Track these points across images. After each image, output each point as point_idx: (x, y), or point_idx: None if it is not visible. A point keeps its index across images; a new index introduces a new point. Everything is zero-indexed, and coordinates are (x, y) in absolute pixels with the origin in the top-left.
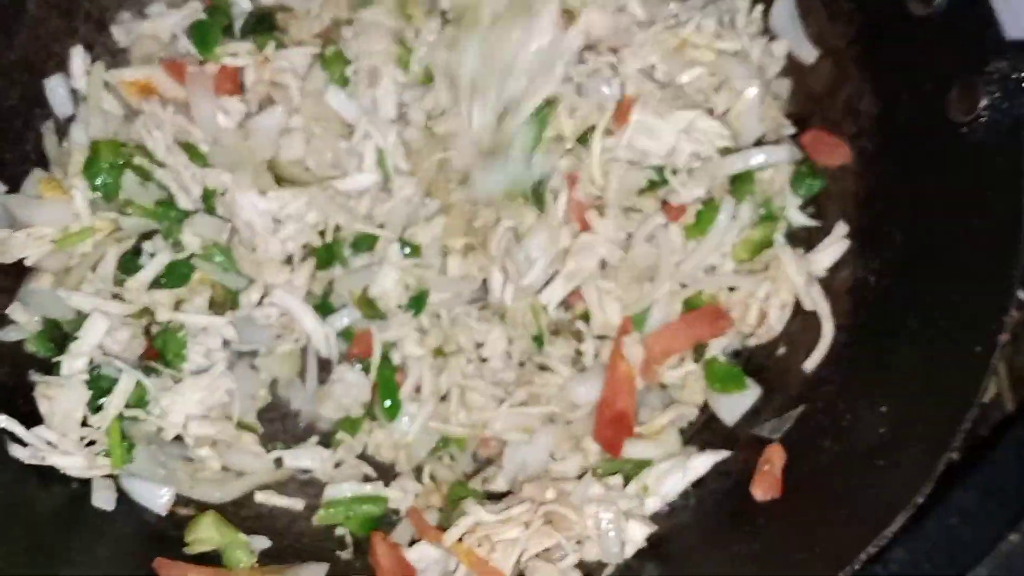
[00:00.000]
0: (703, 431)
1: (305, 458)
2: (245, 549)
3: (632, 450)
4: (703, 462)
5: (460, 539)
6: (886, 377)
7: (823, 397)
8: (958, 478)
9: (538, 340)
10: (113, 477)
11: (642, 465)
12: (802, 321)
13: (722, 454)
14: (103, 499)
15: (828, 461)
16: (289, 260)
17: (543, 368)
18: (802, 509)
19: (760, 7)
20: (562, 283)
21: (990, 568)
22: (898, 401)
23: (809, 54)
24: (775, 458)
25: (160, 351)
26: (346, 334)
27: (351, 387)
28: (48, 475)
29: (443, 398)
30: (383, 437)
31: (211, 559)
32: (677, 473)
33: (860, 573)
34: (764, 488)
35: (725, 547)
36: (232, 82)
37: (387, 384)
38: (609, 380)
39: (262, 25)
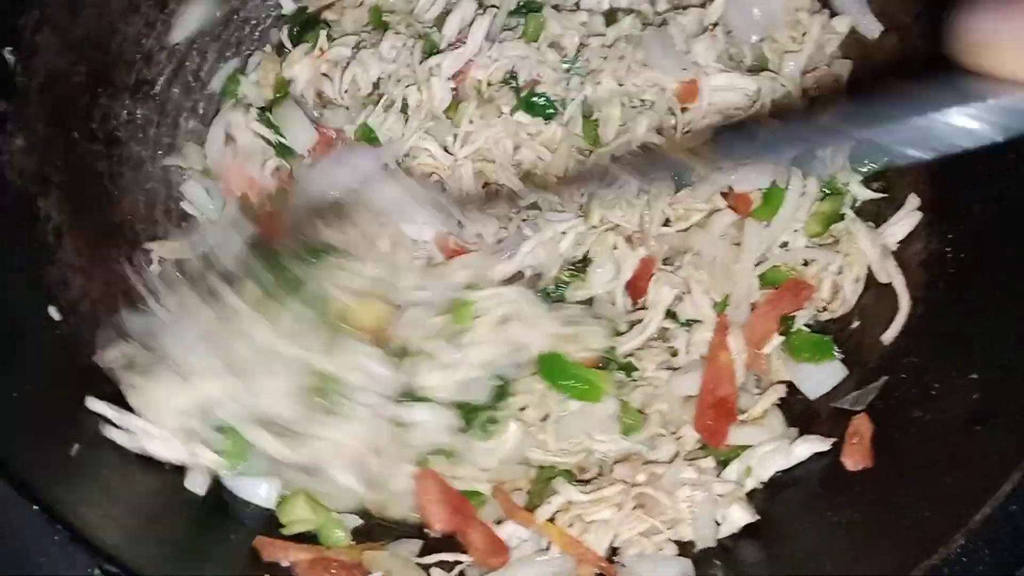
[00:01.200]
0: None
1: None
2: (341, 527)
3: (738, 436)
4: (806, 448)
5: (551, 519)
6: (971, 345)
7: (906, 368)
8: None
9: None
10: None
11: (741, 448)
12: (875, 294)
13: (826, 442)
14: (196, 483)
15: (920, 430)
16: None
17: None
18: (899, 477)
19: None
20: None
21: None
22: (989, 368)
23: (873, 29)
24: (863, 429)
25: None
26: None
27: None
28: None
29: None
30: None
31: (307, 539)
32: (779, 457)
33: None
34: (855, 458)
35: (820, 519)
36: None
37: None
38: (710, 371)
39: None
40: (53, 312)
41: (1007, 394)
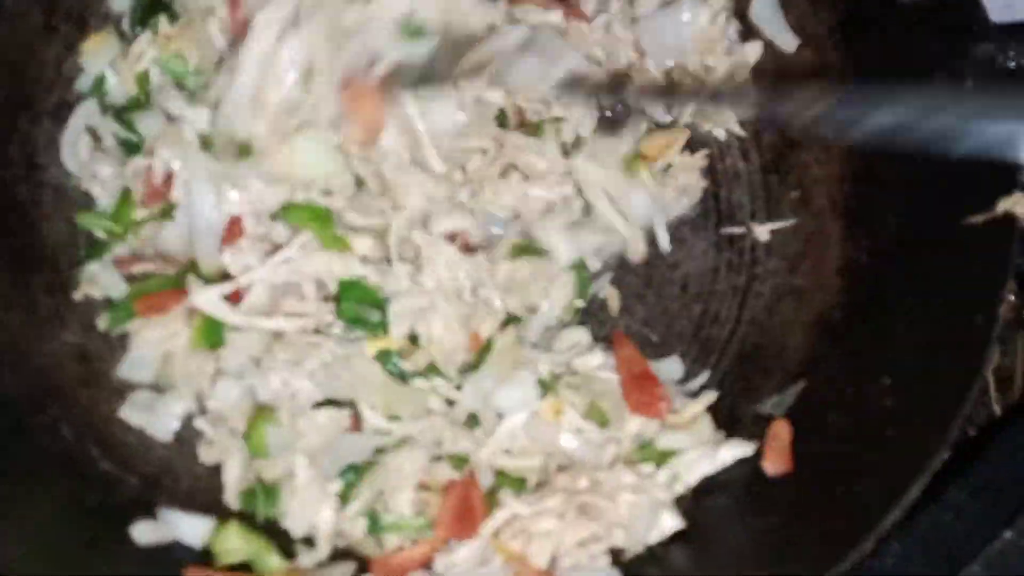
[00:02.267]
0: None
1: None
2: (276, 553)
3: (666, 440)
4: (732, 452)
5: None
6: (887, 350)
7: (823, 373)
8: (950, 476)
9: None
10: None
11: (669, 453)
12: (792, 301)
13: (750, 447)
14: (143, 533)
15: (836, 433)
16: None
17: None
18: (817, 481)
19: None
20: None
21: (984, 565)
22: (902, 372)
23: (790, 43)
24: (782, 433)
25: None
26: None
27: None
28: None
29: None
30: None
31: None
32: (706, 463)
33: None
34: (775, 463)
35: (744, 523)
36: None
37: None
38: (618, 355)
39: None
40: None
41: (917, 398)
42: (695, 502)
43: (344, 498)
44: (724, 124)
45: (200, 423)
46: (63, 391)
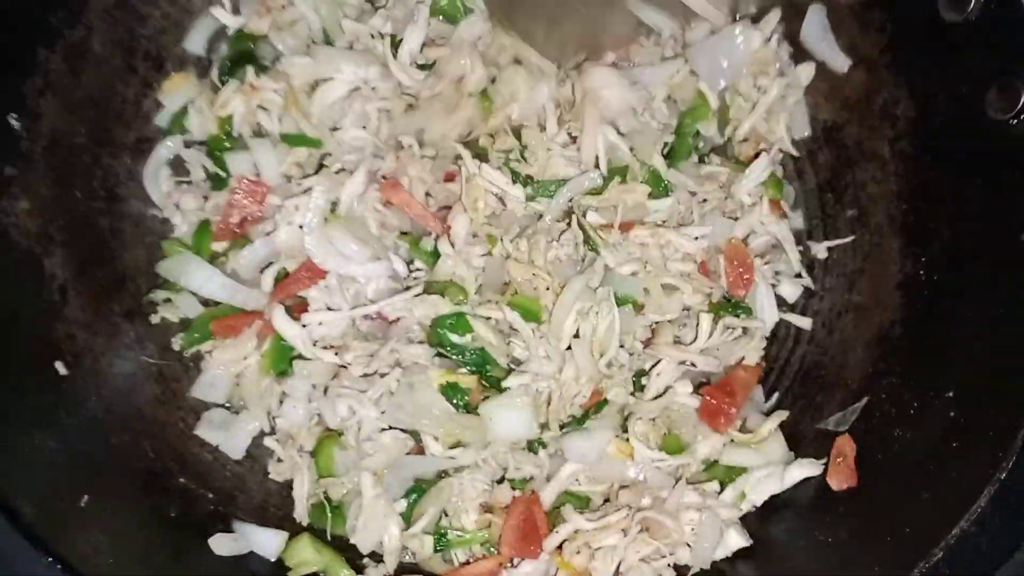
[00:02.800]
0: None
1: None
2: (347, 566)
3: (735, 457)
4: (799, 471)
5: (560, 547)
6: (948, 364)
7: (885, 389)
8: None
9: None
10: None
11: (737, 471)
12: (853, 318)
13: (818, 466)
14: (223, 547)
15: (901, 448)
16: None
17: None
18: (882, 495)
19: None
20: None
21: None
22: (965, 385)
23: (842, 64)
24: (846, 449)
25: None
26: None
27: None
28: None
29: None
30: None
31: None
32: (774, 481)
33: None
34: (840, 478)
35: (810, 539)
36: None
37: None
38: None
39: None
40: (60, 367)
41: (981, 410)
42: (760, 519)
43: (408, 517)
44: (778, 144)
45: (270, 442)
46: (142, 411)
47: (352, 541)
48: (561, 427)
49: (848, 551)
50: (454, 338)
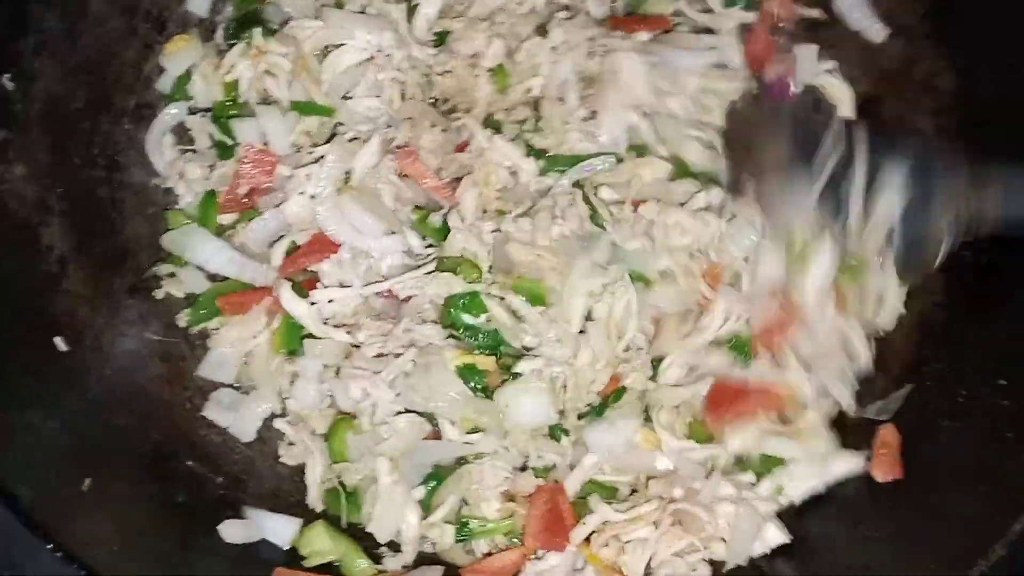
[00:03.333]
0: None
1: None
2: (363, 556)
3: (776, 447)
4: (841, 467)
5: (587, 539)
6: (999, 350)
7: (930, 376)
8: None
9: None
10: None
11: (774, 461)
12: None
13: (861, 459)
14: (233, 535)
15: (949, 438)
16: None
17: None
18: (933, 488)
19: None
20: None
21: None
22: (1017, 372)
23: (878, 33)
24: (890, 439)
25: None
26: None
27: None
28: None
29: None
30: None
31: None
32: (814, 476)
33: None
34: (884, 470)
35: (853, 534)
36: None
37: None
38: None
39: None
40: (59, 342)
41: None
42: (798, 512)
43: (427, 505)
44: None
45: (280, 424)
46: (147, 391)
47: (368, 530)
48: (579, 417)
49: (897, 547)
50: (467, 318)
